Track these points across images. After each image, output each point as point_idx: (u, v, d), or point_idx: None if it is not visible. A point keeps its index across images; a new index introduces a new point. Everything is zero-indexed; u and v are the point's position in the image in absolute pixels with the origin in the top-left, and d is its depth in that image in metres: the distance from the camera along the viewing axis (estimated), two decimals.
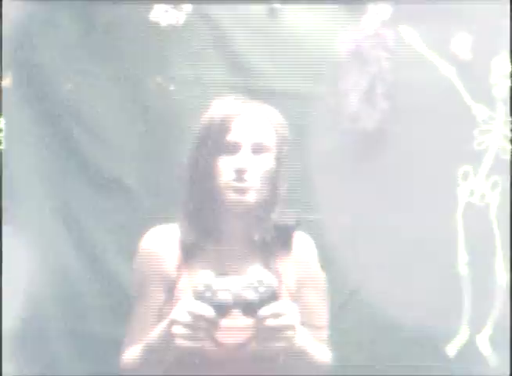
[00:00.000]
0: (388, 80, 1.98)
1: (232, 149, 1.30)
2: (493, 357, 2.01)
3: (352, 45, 1.96)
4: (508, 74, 2.00)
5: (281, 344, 1.13)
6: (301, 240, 1.38)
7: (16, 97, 1.98)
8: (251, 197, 1.28)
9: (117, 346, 1.95)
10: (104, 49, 2.00)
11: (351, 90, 1.97)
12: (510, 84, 2.00)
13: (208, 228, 1.32)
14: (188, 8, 2.00)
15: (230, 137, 1.31)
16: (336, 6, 2.00)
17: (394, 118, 2.00)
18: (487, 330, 2.02)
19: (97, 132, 2.01)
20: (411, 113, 2.01)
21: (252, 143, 1.31)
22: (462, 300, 2.01)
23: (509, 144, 2.03)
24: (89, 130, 2.01)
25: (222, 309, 1.09)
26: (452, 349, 2.01)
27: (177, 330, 1.12)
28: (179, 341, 1.12)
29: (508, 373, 1.93)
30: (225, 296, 1.09)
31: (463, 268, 2.02)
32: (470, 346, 2.01)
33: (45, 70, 1.99)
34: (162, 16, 1.99)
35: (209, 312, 1.10)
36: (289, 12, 2.01)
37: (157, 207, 1.94)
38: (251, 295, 1.10)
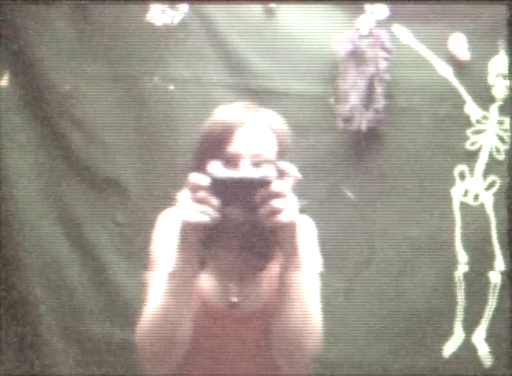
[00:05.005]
0: (385, 80, 1.98)
1: (232, 161, 1.27)
2: (489, 357, 2.01)
3: (350, 45, 1.97)
4: (506, 74, 2.00)
5: (282, 221, 1.13)
6: (302, 223, 1.36)
7: (13, 97, 1.99)
8: None
9: (116, 346, 1.98)
10: (101, 50, 2.00)
11: (351, 90, 1.98)
12: (508, 84, 2.00)
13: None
14: (184, 8, 2.00)
15: (230, 149, 1.27)
16: (332, 6, 2.01)
17: (392, 118, 2.00)
18: (483, 330, 2.02)
19: (94, 132, 2.01)
20: (407, 113, 2.02)
21: (252, 155, 1.27)
22: (458, 300, 2.02)
23: (502, 143, 2.04)
24: (87, 130, 2.01)
25: (225, 184, 1.12)
26: (448, 349, 2.01)
27: (183, 207, 1.14)
28: (186, 219, 1.13)
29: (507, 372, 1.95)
30: (228, 174, 1.14)
31: (459, 267, 2.02)
32: (466, 346, 2.02)
33: (43, 71, 1.99)
34: (158, 15, 1.99)
35: (205, 181, 1.12)
36: (285, 11, 2.01)
37: (154, 207, 1.94)
38: (254, 173, 1.15)
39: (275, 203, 1.12)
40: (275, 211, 1.12)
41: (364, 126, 1.98)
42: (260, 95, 1.97)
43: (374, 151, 2.02)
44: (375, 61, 1.96)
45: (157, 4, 1.99)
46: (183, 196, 1.14)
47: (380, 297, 2.01)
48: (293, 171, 1.17)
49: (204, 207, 1.12)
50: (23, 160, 1.99)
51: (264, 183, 1.12)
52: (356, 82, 1.97)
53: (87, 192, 2.01)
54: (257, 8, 2.01)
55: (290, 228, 1.15)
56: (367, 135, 2.00)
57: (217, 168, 1.14)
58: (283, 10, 2.01)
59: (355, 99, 1.97)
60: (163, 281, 1.21)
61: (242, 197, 1.14)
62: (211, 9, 2.00)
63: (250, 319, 1.30)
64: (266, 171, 1.14)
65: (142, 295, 1.90)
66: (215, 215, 1.13)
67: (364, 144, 2.01)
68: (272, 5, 2.00)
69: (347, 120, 1.99)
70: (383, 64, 1.96)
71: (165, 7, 2.00)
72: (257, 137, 1.29)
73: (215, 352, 1.29)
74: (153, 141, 2.00)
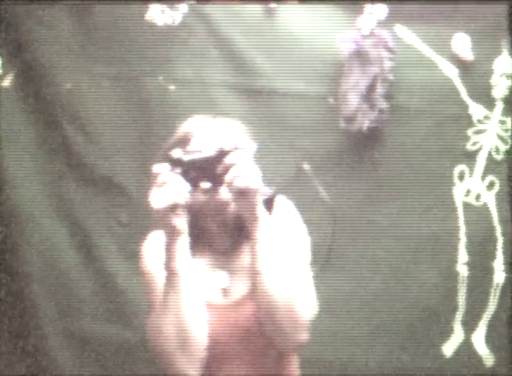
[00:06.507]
0: (389, 80, 1.98)
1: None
2: (490, 356, 2.01)
3: (353, 45, 1.96)
4: (509, 74, 2.00)
5: (248, 203, 1.20)
6: (281, 205, 1.38)
7: (16, 97, 1.99)
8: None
9: (118, 347, 1.97)
10: (104, 49, 2.00)
11: (351, 90, 1.97)
12: (510, 84, 2.00)
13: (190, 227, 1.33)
14: (184, 8, 1.99)
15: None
16: (333, 6, 2.00)
17: (395, 118, 2.00)
18: (484, 330, 2.02)
19: (97, 132, 2.01)
20: (410, 113, 2.01)
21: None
22: (459, 300, 2.02)
23: (502, 143, 2.04)
24: (89, 130, 2.01)
25: (189, 166, 1.20)
26: (448, 349, 2.01)
27: (152, 197, 1.19)
28: (156, 206, 1.18)
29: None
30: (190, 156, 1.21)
31: (461, 267, 2.02)
32: (466, 346, 2.02)
33: (45, 71, 1.99)
34: (157, 16, 1.98)
35: (165, 167, 1.19)
36: (285, 11, 2.00)
37: None
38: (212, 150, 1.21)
39: (234, 170, 1.18)
40: (235, 178, 1.18)
41: (366, 126, 1.97)
42: (262, 95, 1.98)
43: (376, 151, 2.01)
44: (380, 61, 1.95)
45: (156, 4, 1.98)
46: (151, 192, 1.20)
47: (381, 296, 2.01)
48: (249, 144, 1.23)
49: (168, 189, 1.17)
50: (25, 161, 1.99)
51: (222, 155, 1.20)
52: (358, 82, 1.96)
53: (89, 192, 2.01)
54: (256, 8, 2.00)
55: (248, 194, 1.19)
56: (369, 135, 1.99)
57: (179, 153, 1.21)
58: (284, 10, 2.00)
59: (354, 99, 1.96)
60: (167, 284, 1.24)
61: (207, 173, 1.20)
62: (211, 9, 1.99)
63: (239, 305, 1.30)
64: (222, 144, 1.21)
65: (144, 295, 1.91)
66: (182, 193, 1.18)
67: (365, 144, 2.01)
68: (273, 5, 2.00)
69: (350, 120, 1.98)
70: (387, 64, 1.96)
71: (164, 7, 1.99)
72: (211, 139, 1.33)
73: (211, 343, 1.28)
74: (155, 141, 1.98)
